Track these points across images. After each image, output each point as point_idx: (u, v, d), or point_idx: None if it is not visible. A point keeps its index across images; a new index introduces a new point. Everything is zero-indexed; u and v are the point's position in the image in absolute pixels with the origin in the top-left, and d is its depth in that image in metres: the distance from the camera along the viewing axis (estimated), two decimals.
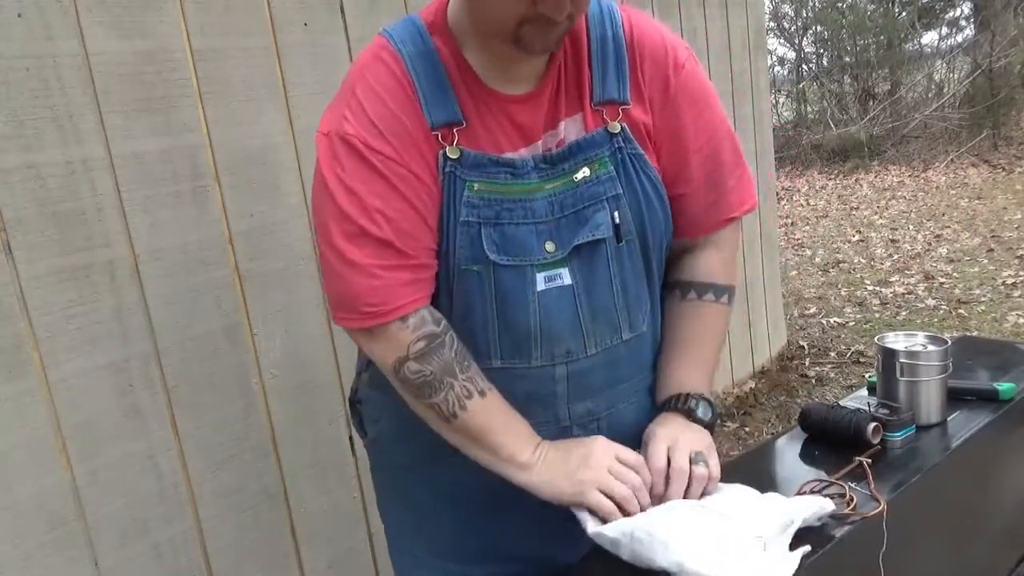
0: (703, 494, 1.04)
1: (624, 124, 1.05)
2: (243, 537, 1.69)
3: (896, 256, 5.74)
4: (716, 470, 1.05)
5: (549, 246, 1.03)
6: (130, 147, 1.47)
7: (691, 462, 1.04)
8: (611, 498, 1.00)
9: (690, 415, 1.10)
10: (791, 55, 11.77)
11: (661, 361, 1.16)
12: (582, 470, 1.01)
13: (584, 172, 1.04)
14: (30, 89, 1.34)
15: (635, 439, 1.09)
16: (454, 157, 1.00)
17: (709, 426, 1.11)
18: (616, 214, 1.04)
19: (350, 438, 1.87)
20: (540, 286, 1.03)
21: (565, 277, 1.04)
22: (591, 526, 0.99)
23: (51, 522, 1.41)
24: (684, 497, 1.02)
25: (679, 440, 1.06)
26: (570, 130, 1.05)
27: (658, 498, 1.03)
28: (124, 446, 1.50)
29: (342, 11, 1.79)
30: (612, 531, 0.96)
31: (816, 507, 1.01)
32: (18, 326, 1.35)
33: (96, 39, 1.41)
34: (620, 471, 1.01)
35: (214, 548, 1.64)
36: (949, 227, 6.33)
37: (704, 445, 1.07)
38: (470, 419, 1.02)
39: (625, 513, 0.99)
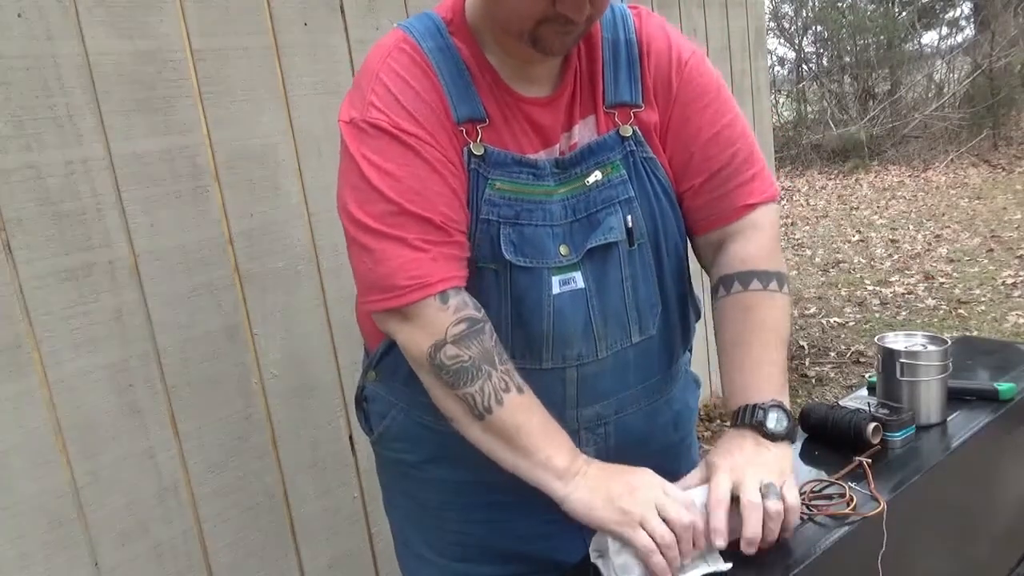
0: (784, 530, 0.93)
1: (635, 127, 1.05)
2: (243, 537, 1.69)
3: (896, 256, 5.74)
4: (793, 499, 0.93)
5: (563, 249, 1.02)
6: (130, 147, 1.47)
7: (762, 496, 0.92)
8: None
9: (760, 429, 0.98)
10: (791, 55, 11.77)
11: (721, 371, 1.08)
12: (627, 499, 0.92)
13: (596, 176, 1.04)
14: (30, 89, 1.34)
15: (643, 445, 1.08)
16: (478, 154, 0.99)
17: (787, 437, 0.99)
18: (629, 217, 1.04)
19: (350, 438, 1.87)
20: (555, 289, 1.02)
21: (578, 281, 1.03)
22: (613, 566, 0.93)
23: (51, 522, 1.41)
24: (763, 537, 0.91)
25: (747, 471, 0.94)
26: (583, 133, 1.05)
27: (732, 536, 0.92)
28: (124, 446, 1.50)
29: (342, 11, 1.79)
30: None
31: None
32: (18, 326, 1.35)
33: (96, 39, 1.41)
34: (667, 507, 0.91)
35: (214, 548, 1.64)
36: (949, 227, 6.33)
37: (777, 471, 0.95)
38: (505, 415, 0.95)
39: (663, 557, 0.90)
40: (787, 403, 1.03)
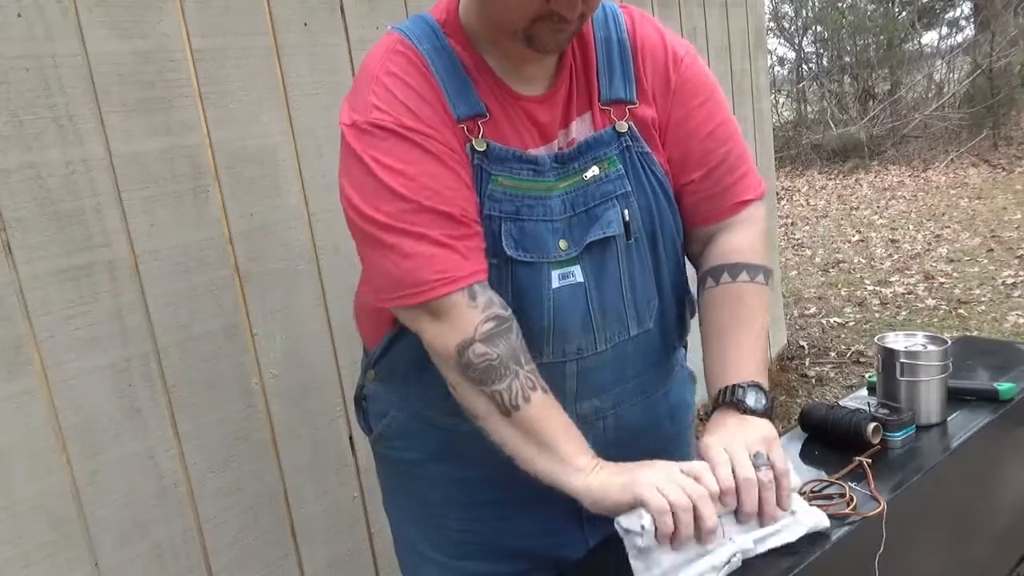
0: (780, 497, 0.96)
1: (631, 123, 1.07)
2: (243, 537, 1.69)
3: (896, 256, 5.74)
4: (782, 463, 0.97)
5: (563, 244, 1.04)
6: (130, 147, 1.47)
7: (754, 467, 0.96)
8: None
9: (740, 407, 1.02)
10: (791, 55, 11.78)
11: (705, 359, 1.11)
12: (638, 471, 0.94)
13: (593, 171, 1.05)
14: (30, 89, 1.34)
15: (640, 438, 1.09)
16: (481, 150, 1.00)
17: (765, 414, 1.03)
18: (626, 211, 1.05)
19: (350, 438, 1.87)
20: (555, 283, 1.03)
21: (577, 275, 1.04)
22: (635, 545, 0.92)
23: (51, 522, 1.41)
24: (760, 507, 0.95)
25: (735, 442, 0.98)
26: (580, 130, 1.07)
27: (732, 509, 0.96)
28: (124, 446, 1.49)
29: (342, 11, 1.79)
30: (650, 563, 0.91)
31: (812, 522, 0.98)
32: (18, 326, 1.35)
33: (96, 39, 1.41)
34: (682, 479, 0.92)
35: (214, 548, 1.64)
36: (949, 227, 6.33)
37: (761, 441, 0.99)
38: (533, 412, 0.96)
39: (676, 525, 0.90)
40: (766, 384, 1.06)
